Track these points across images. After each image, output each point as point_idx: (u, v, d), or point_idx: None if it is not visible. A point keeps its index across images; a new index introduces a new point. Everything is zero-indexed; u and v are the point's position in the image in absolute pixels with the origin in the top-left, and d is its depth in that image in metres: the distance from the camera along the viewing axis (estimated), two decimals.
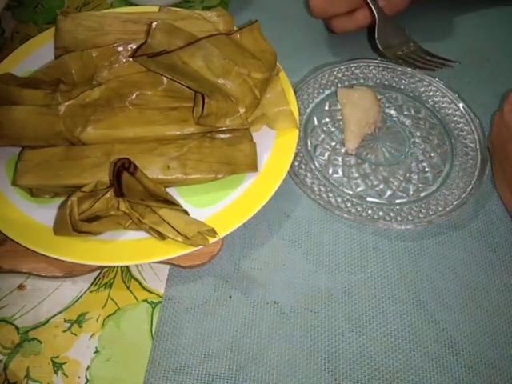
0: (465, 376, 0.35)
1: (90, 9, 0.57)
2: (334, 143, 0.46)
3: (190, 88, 0.40)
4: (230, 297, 0.37)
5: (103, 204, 0.35)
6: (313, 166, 0.44)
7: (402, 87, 0.49)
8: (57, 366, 0.35)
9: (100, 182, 0.36)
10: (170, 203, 0.35)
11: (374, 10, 0.48)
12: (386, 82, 0.50)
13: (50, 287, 0.38)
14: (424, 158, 0.45)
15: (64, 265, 0.37)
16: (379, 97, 0.48)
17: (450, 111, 0.48)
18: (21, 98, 0.38)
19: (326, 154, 0.45)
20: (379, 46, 0.49)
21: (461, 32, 0.56)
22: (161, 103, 0.41)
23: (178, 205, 0.36)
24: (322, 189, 0.42)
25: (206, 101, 0.38)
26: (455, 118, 0.47)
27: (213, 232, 0.35)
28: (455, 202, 0.41)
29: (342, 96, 0.48)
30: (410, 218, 0.41)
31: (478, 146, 0.45)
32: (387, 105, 0.48)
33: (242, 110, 0.38)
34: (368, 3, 0.48)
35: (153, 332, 0.36)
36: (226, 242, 0.39)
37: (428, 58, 0.50)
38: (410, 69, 0.50)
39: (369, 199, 0.42)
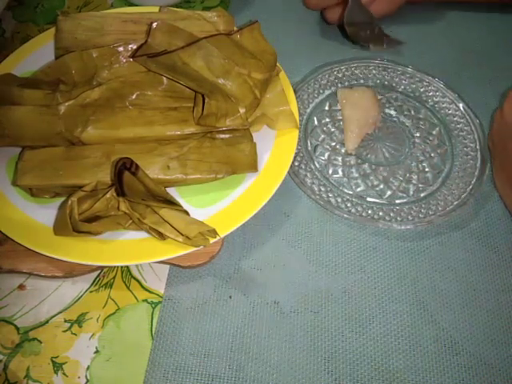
0: (465, 376, 0.35)
1: (90, 9, 0.57)
2: (334, 143, 0.46)
3: (190, 88, 0.40)
4: (230, 297, 0.37)
5: (103, 204, 0.35)
6: (313, 166, 0.44)
7: (402, 87, 0.49)
8: (57, 366, 0.35)
9: (100, 182, 0.36)
10: (171, 203, 0.35)
11: None
12: (386, 82, 0.50)
13: (50, 287, 0.38)
14: (424, 158, 0.45)
15: (64, 265, 0.37)
16: (379, 97, 0.48)
17: (450, 111, 0.48)
18: (21, 98, 0.38)
19: (326, 154, 0.45)
20: (345, 22, 0.50)
21: (461, 32, 0.56)
22: (161, 103, 0.41)
23: (179, 205, 0.36)
24: (322, 189, 0.42)
25: (206, 101, 0.38)
26: (455, 118, 0.47)
27: (213, 232, 0.35)
28: (455, 202, 0.41)
29: (342, 96, 0.48)
30: (410, 218, 0.41)
31: (478, 146, 0.45)
32: (387, 105, 0.48)
33: (242, 110, 0.38)
34: None
35: (153, 332, 0.36)
36: (225, 241, 0.39)
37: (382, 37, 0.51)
38: (409, 69, 0.50)
39: (369, 199, 0.42)
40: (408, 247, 0.40)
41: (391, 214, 0.41)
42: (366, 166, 0.44)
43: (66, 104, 0.38)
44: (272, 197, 0.38)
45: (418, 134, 0.46)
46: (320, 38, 0.54)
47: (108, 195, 0.35)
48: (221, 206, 0.38)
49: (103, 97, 0.39)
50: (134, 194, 0.34)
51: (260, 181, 0.39)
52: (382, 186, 0.43)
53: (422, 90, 0.49)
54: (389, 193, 0.43)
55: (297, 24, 0.56)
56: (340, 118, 0.47)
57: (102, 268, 0.38)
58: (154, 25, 0.40)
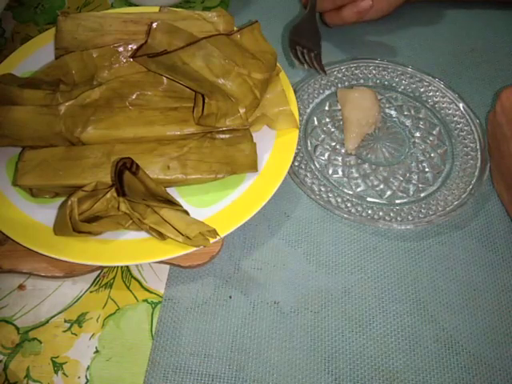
0: (465, 376, 0.35)
1: (90, 9, 0.57)
2: (334, 143, 0.46)
3: (190, 88, 0.40)
4: (230, 297, 0.37)
5: (103, 204, 0.35)
6: (313, 166, 0.44)
7: (402, 87, 0.49)
8: (57, 366, 0.35)
9: (100, 182, 0.36)
10: (171, 203, 0.35)
11: (308, 6, 0.50)
12: (386, 82, 0.50)
13: (50, 287, 0.38)
14: (424, 158, 0.45)
15: (64, 265, 0.37)
16: (379, 97, 0.48)
17: (450, 111, 0.48)
18: (21, 99, 0.38)
19: (326, 154, 0.45)
20: (289, 35, 0.51)
21: (461, 32, 0.56)
22: (161, 103, 0.41)
23: (179, 205, 0.36)
24: (322, 189, 0.42)
25: (206, 101, 0.38)
26: (455, 118, 0.47)
27: (214, 232, 0.35)
28: (455, 202, 0.41)
29: (342, 96, 0.48)
30: (410, 218, 0.41)
31: (478, 146, 0.45)
32: (387, 105, 0.48)
33: (242, 111, 0.39)
34: None
35: (153, 332, 0.36)
36: (226, 242, 0.39)
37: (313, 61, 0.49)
38: (409, 69, 0.50)
39: (369, 199, 0.42)
40: (408, 247, 0.40)
41: (391, 214, 0.41)
42: (366, 165, 0.44)
43: (66, 104, 0.38)
44: (272, 197, 0.38)
45: (418, 134, 0.46)
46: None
47: (108, 195, 0.35)
48: (221, 206, 0.38)
49: (103, 97, 0.39)
50: (134, 194, 0.34)
51: (260, 181, 0.39)
52: (382, 186, 0.43)
53: (422, 89, 0.49)
54: (389, 193, 0.43)
55: None
56: (340, 117, 0.47)
57: (102, 268, 0.38)
58: (154, 25, 0.40)
